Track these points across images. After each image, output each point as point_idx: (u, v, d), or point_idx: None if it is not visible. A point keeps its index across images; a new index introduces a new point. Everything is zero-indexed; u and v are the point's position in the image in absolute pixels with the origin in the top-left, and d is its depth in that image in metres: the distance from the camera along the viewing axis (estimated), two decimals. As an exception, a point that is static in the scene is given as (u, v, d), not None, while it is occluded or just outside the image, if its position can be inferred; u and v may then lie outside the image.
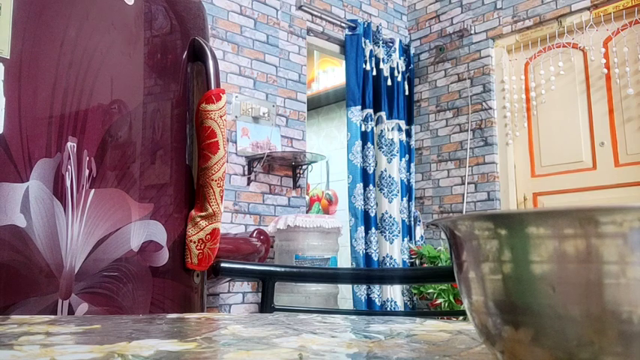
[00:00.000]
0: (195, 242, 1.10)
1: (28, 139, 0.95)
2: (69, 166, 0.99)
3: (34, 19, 0.99)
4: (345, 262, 3.99)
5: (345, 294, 4.05)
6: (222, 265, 0.96)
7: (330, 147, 5.05)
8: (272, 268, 1.02)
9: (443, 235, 3.72)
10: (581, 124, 3.31)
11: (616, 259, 0.23)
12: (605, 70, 3.16)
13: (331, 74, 5.10)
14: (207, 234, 1.11)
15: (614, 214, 0.23)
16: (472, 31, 3.79)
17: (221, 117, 1.13)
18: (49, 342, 0.41)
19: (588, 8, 3.27)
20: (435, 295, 3.17)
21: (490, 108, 3.64)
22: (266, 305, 0.95)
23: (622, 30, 3.16)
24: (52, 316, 0.61)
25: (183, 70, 1.20)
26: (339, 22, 3.76)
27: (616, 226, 0.23)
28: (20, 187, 0.93)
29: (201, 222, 1.11)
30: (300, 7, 3.52)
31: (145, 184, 1.09)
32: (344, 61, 3.80)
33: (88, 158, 1.01)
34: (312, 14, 3.61)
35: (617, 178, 3.12)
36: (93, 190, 1.02)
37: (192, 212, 1.12)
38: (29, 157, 0.95)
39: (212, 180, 1.10)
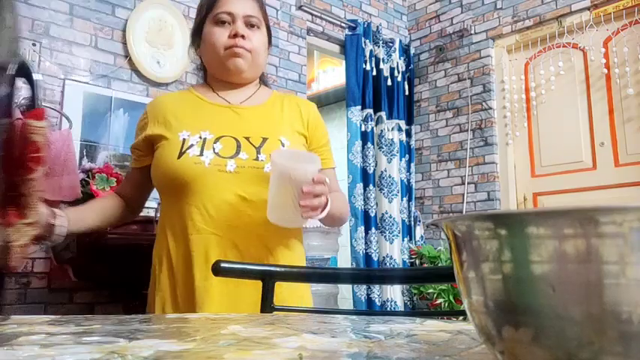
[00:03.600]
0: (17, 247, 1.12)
1: None
2: None
3: None
4: (345, 262, 3.99)
5: (345, 294, 4.05)
6: (222, 265, 0.96)
7: (330, 147, 5.04)
8: (272, 268, 1.02)
9: (443, 235, 3.72)
10: (581, 124, 3.30)
11: (616, 259, 0.23)
12: (605, 70, 3.16)
13: (331, 74, 5.10)
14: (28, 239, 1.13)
15: (614, 214, 0.23)
16: (472, 31, 3.79)
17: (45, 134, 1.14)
18: (49, 342, 0.41)
19: (588, 8, 3.27)
20: (435, 295, 3.17)
21: (490, 108, 3.64)
22: (266, 305, 0.95)
23: (622, 30, 3.16)
24: (52, 316, 0.61)
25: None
26: (339, 22, 3.75)
27: (616, 226, 0.22)
28: None
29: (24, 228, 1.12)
30: (300, 7, 3.52)
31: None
32: (344, 61, 3.80)
33: None
34: (312, 14, 3.61)
35: (617, 178, 3.12)
36: None
37: (14, 219, 1.14)
38: None
39: (35, 191, 1.12)
